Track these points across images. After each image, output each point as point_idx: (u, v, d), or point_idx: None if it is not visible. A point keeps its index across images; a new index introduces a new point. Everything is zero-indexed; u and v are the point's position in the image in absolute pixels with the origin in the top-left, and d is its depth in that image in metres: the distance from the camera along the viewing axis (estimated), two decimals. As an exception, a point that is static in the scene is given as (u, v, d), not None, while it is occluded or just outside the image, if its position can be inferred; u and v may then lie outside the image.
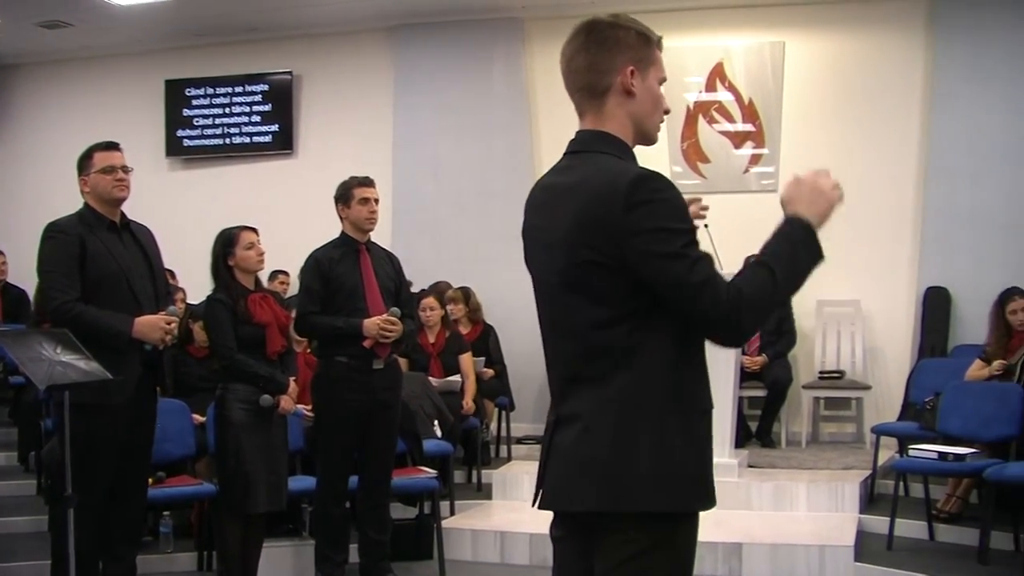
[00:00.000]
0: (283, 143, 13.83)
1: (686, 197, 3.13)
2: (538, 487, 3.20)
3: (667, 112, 3.30)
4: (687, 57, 12.60)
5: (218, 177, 14.00)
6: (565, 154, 3.22)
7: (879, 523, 8.47)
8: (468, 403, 10.11)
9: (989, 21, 11.78)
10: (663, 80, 3.27)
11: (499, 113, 13.02)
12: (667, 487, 2.97)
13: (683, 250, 2.90)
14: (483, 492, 9.88)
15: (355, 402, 7.18)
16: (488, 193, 12.63)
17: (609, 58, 3.13)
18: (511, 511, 8.97)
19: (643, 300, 2.96)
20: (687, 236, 2.94)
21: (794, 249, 3.06)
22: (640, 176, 2.96)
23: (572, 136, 3.24)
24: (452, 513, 9.01)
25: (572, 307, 3.05)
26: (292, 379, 7.12)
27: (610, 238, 2.92)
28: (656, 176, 2.98)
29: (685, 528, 3.07)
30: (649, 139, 3.27)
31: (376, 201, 7.42)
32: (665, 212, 2.93)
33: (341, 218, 7.42)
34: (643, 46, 3.18)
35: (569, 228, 3.00)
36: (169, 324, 6.27)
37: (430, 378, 9.86)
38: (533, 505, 3.22)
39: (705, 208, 3.61)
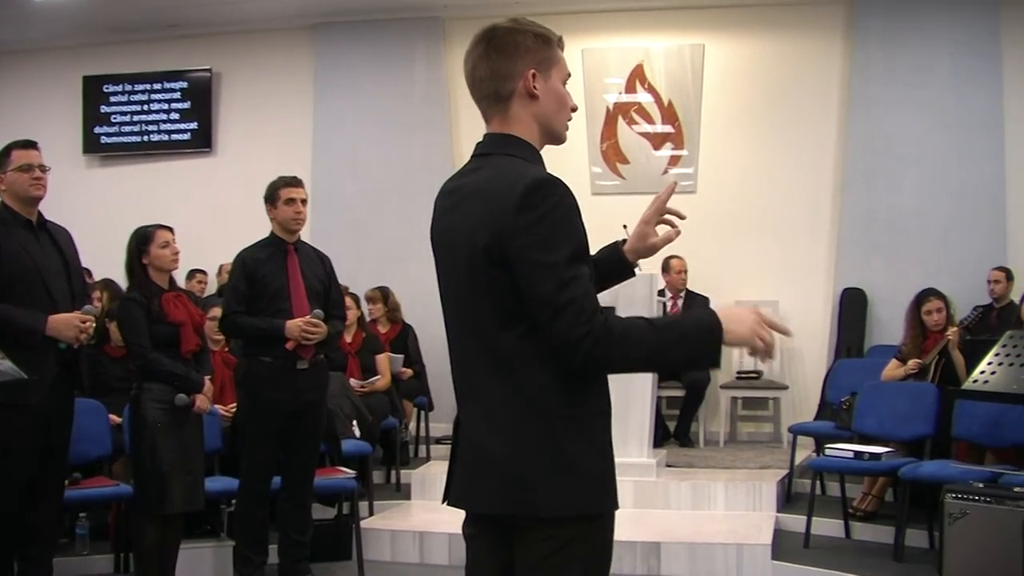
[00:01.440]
0: (202, 141, 13.73)
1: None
2: (448, 485, 3.21)
3: (574, 110, 3.26)
4: (607, 58, 12.68)
5: (136, 175, 13.85)
6: (472, 156, 3.22)
7: (796, 522, 8.54)
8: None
9: (905, 28, 12.00)
10: (567, 78, 3.23)
11: (419, 112, 13.01)
12: (570, 491, 2.97)
13: (558, 266, 2.87)
14: (402, 492, 9.83)
15: (280, 402, 7.11)
16: (408, 192, 12.60)
17: (510, 64, 3.11)
18: (430, 511, 8.94)
19: None
20: (570, 249, 2.91)
21: (691, 335, 2.99)
22: (539, 180, 2.95)
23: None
24: (371, 513, 8.95)
25: (475, 308, 3.05)
26: (207, 378, 7.06)
27: (501, 239, 2.92)
28: (555, 182, 2.95)
29: (600, 525, 3.07)
30: (557, 138, 3.24)
31: (303, 201, 7.36)
32: (553, 221, 2.91)
33: (270, 218, 7.37)
34: (543, 48, 3.16)
35: (473, 229, 2.99)
36: (84, 323, 6.18)
37: (351, 380, 9.83)
38: (443, 502, 3.23)
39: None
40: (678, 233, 3.48)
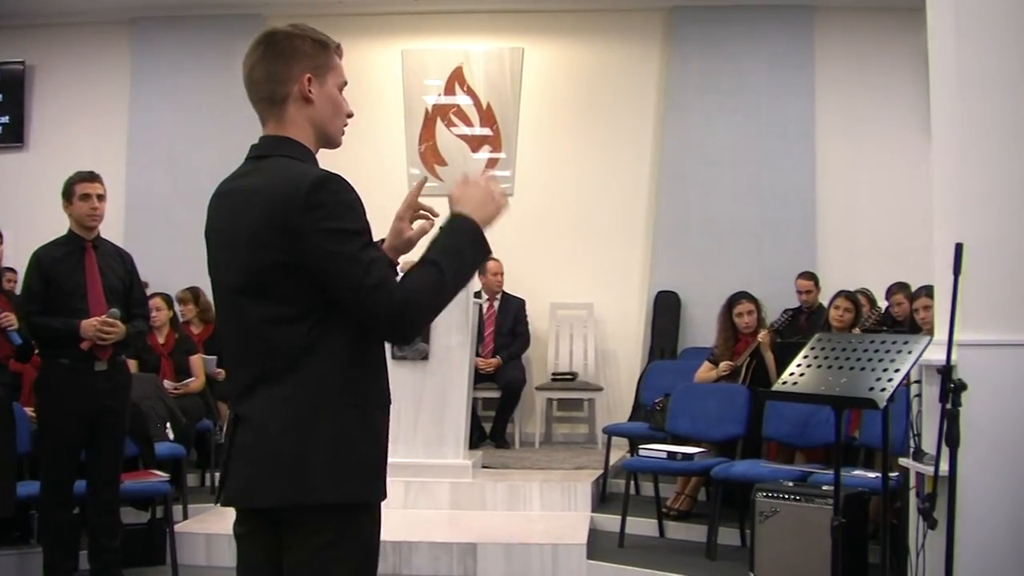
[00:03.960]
0: (14, 136, 13.35)
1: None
2: (221, 484, 3.22)
3: (350, 116, 3.34)
4: (427, 60, 12.71)
5: (-57, 169, 13.44)
6: (248, 159, 3.27)
7: (611, 521, 8.63)
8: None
9: (722, 37, 12.30)
10: (344, 85, 3.32)
11: (239, 111, 12.74)
12: (348, 479, 3.03)
13: (359, 253, 2.96)
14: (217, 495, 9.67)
15: (78, 404, 6.91)
16: (224, 192, 12.43)
17: (286, 68, 3.19)
18: (245, 514, 8.83)
19: (322, 299, 3.02)
20: (362, 238, 3.01)
21: (461, 246, 3.13)
22: (321, 178, 3.01)
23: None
24: (185, 517, 8.79)
25: (253, 307, 3.09)
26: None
27: (290, 238, 2.97)
28: (336, 178, 3.03)
29: (368, 517, 3.13)
30: (332, 142, 3.32)
31: (100, 197, 7.15)
32: (342, 213, 3.00)
33: (67, 215, 7.18)
34: (320, 53, 3.25)
35: (252, 230, 3.04)
36: None
37: (165, 381, 9.68)
38: (216, 503, 3.24)
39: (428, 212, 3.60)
40: (432, 224, 3.52)
